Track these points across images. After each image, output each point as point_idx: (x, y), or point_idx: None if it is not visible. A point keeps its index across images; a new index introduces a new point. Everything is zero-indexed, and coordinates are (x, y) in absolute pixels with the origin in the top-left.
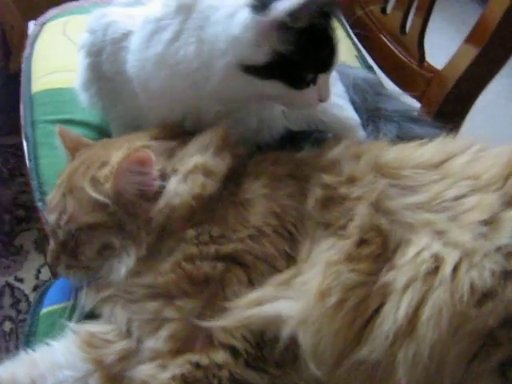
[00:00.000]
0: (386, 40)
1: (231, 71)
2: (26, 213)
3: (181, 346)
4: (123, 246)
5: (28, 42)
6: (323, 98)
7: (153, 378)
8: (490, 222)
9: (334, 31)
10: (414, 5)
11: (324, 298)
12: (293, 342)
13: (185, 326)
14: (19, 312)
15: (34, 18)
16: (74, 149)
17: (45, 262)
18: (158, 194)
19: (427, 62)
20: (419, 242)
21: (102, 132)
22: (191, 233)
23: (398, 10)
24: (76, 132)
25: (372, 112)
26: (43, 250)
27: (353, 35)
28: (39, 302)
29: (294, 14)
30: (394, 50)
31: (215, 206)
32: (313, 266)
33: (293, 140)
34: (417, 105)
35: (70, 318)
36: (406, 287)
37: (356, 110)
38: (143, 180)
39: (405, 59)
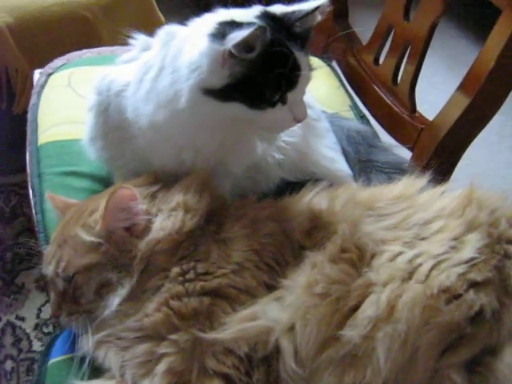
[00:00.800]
0: (378, 90)
1: (194, 95)
2: (27, 252)
3: (178, 379)
4: (118, 279)
5: (34, 91)
6: (298, 117)
7: None
8: (457, 240)
9: (296, 49)
10: (406, 53)
11: (311, 287)
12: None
13: (181, 359)
14: (20, 351)
15: (38, 64)
16: (63, 209)
17: (46, 301)
18: (146, 231)
19: (419, 113)
20: (392, 250)
21: (106, 184)
22: (176, 270)
23: (390, 60)
24: (82, 184)
25: (364, 163)
26: (44, 289)
27: (347, 85)
28: (47, 352)
29: (240, 46)
30: (387, 100)
31: (198, 242)
32: (299, 276)
33: (288, 190)
34: (409, 156)
35: (78, 370)
36: (386, 283)
37: (349, 160)
38: (130, 216)
39: (397, 109)
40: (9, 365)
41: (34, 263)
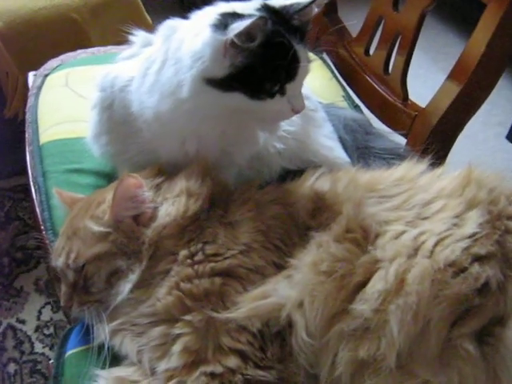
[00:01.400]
0: (370, 80)
1: (197, 85)
2: (24, 255)
3: (194, 358)
4: (128, 266)
5: (31, 92)
6: (296, 108)
7: None
8: (458, 218)
9: (295, 41)
10: (396, 44)
11: (316, 265)
12: (289, 332)
13: (196, 338)
14: (23, 353)
15: (28, 67)
16: (71, 203)
17: (46, 303)
18: (152, 219)
19: (411, 101)
20: (396, 229)
21: (111, 180)
22: (184, 253)
23: (381, 51)
24: (86, 181)
25: (362, 150)
26: (44, 291)
27: (339, 76)
28: (62, 345)
29: (242, 36)
30: (379, 89)
31: (204, 225)
32: (305, 255)
33: (289, 178)
34: (403, 142)
35: (96, 360)
36: (393, 259)
37: (347, 148)
38: (137, 204)
39: (389, 98)
40: (12, 368)
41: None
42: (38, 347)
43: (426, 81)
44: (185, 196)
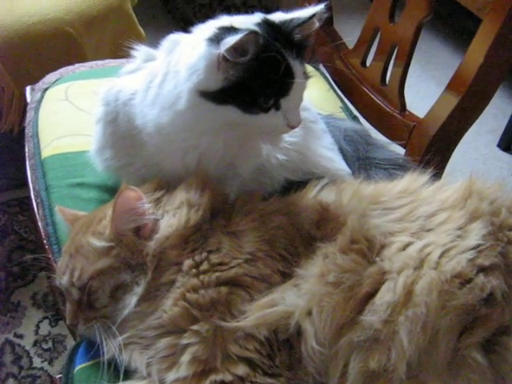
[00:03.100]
0: (367, 91)
1: (192, 97)
2: (20, 269)
3: (203, 367)
4: (133, 279)
5: (30, 106)
6: (291, 123)
7: None
8: (462, 230)
9: (291, 57)
10: (393, 55)
11: (324, 276)
12: (298, 340)
13: (204, 347)
14: (21, 368)
15: (24, 81)
16: (73, 221)
17: (43, 317)
18: (154, 231)
19: (408, 111)
20: (401, 240)
21: (113, 194)
22: (188, 263)
23: (378, 62)
24: (89, 195)
25: (363, 161)
26: (41, 305)
27: (336, 88)
28: (70, 361)
29: (233, 50)
30: (376, 100)
31: (207, 235)
32: (312, 265)
33: (293, 189)
34: (402, 152)
35: (107, 375)
36: (400, 271)
37: (348, 159)
38: (137, 217)
39: (387, 109)
40: (11, 383)
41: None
42: (37, 362)
43: (419, 90)
44: (185, 207)
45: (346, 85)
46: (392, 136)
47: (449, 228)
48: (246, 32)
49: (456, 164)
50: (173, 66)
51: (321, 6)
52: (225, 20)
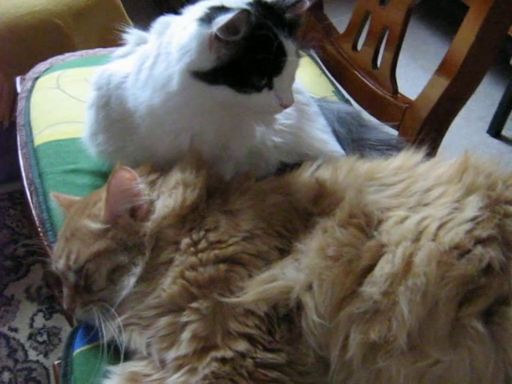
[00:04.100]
0: (359, 75)
1: (184, 78)
2: (13, 263)
3: (204, 344)
4: (131, 260)
5: (21, 96)
6: (284, 103)
7: None
8: (458, 203)
9: (283, 36)
10: (384, 40)
11: (323, 250)
12: (298, 314)
13: (204, 324)
14: (16, 361)
15: (13, 73)
16: (68, 206)
17: (38, 310)
18: (150, 213)
19: (400, 94)
20: (398, 214)
21: (107, 179)
22: (186, 241)
23: (369, 46)
24: (83, 181)
25: (357, 142)
26: (36, 298)
27: (327, 72)
28: (69, 345)
29: (225, 29)
30: (368, 83)
31: (204, 214)
32: (311, 240)
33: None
34: (395, 133)
35: (107, 357)
36: (398, 243)
37: (342, 141)
38: (132, 197)
39: (379, 92)
40: (6, 376)
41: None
42: (32, 355)
43: (407, 79)
44: (181, 187)
45: (337, 69)
46: (384, 118)
47: (446, 201)
48: (238, 10)
49: (447, 151)
50: (164, 48)
51: None
52: (215, 1)
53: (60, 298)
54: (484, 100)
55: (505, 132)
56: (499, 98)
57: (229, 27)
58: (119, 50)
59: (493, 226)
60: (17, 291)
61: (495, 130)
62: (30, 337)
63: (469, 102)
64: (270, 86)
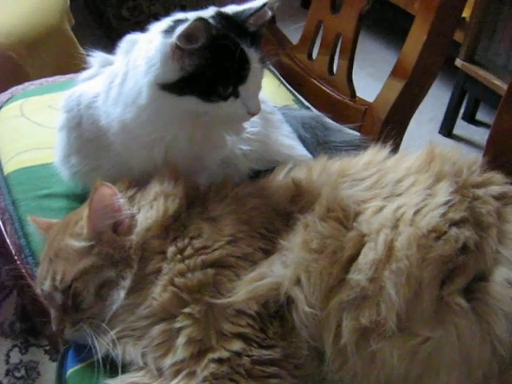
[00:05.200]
0: (316, 82)
1: (152, 91)
2: None
3: (200, 347)
4: (118, 274)
5: None
6: (251, 111)
7: None
8: (430, 189)
9: (245, 44)
10: (338, 45)
11: (307, 244)
12: (289, 309)
13: (198, 328)
14: None
15: None
16: (47, 228)
17: (13, 345)
18: (132, 226)
19: (358, 97)
20: (375, 205)
21: (82, 201)
22: (172, 249)
23: (324, 53)
24: (58, 204)
25: (323, 145)
26: (9, 334)
27: (285, 82)
28: (61, 366)
29: (183, 38)
30: (326, 89)
31: (187, 223)
32: (294, 236)
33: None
34: (358, 134)
35: (103, 372)
36: (378, 231)
37: (308, 145)
38: (114, 213)
39: (338, 97)
40: None
41: None
42: None
43: (357, 86)
44: (162, 198)
45: (295, 79)
46: (345, 121)
47: (418, 189)
48: (194, 18)
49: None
50: (132, 64)
51: None
52: (181, 15)
53: (42, 325)
54: (433, 102)
55: (455, 131)
56: (447, 99)
57: (186, 35)
58: (84, 73)
59: (464, 209)
60: None
61: (447, 130)
62: (7, 373)
63: (420, 105)
64: (236, 95)
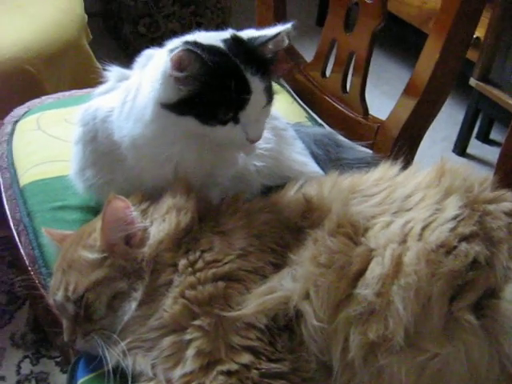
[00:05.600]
0: (330, 100)
1: (155, 109)
2: None
3: (209, 359)
4: (130, 285)
5: (1, 140)
6: (249, 137)
7: None
8: (439, 204)
9: (249, 72)
10: (352, 64)
11: (316, 258)
12: (298, 323)
13: (208, 341)
14: None
15: None
16: (61, 240)
17: (24, 356)
18: (144, 239)
19: (371, 115)
20: (383, 220)
21: (96, 214)
22: (184, 262)
23: (337, 71)
24: (73, 216)
25: (335, 162)
26: (21, 345)
27: (298, 99)
28: (72, 376)
29: (173, 65)
30: (339, 107)
31: (198, 236)
32: (304, 251)
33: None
34: (370, 152)
35: (113, 382)
36: (386, 246)
37: (320, 162)
38: (127, 225)
39: (351, 114)
40: None
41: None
42: None
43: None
44: (174, 211)
45: (308, 96)
46: (358, 138)
47: (427, 204)
48: (181, 48)
49: None
50: (145, 79)
51: (288, 26)
52: (197, 35)
53: (53, 336)
54: (447, 121)
55: (469, 150)
56: (461, 118)
57: (175, 63)
58: (101, 87)
59: (474, 223)
60: (1, 339)
61: (460, 149)
62: None
63: (433, 124)
64: (236, 121)
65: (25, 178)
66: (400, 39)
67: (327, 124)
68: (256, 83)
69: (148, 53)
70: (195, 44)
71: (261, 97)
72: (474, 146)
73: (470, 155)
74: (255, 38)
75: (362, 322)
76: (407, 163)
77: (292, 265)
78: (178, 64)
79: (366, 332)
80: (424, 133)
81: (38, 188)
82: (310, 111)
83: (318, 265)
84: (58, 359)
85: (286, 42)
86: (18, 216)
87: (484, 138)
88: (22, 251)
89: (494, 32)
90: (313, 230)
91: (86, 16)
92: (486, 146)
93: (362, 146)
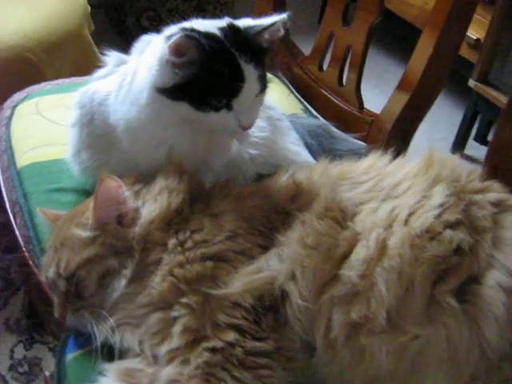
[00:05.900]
0: (326, 93)
1: (151, 93)
2: None
3: (195, 336)
4: (120, 263)
5: (0, 124)
6: (242, 124)
7: (179, 375)
8: (426, 191)
9: (243, 60)
10: (348, 57)
11: (303, 240)
12: (283, 303)
13: (194, 318)
14: None
15: None
16: (55, 220)
17: (18, 341)
18: (136, 219)
19: (366, 108)
20: (370, 206)
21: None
22: (172, 241)
23: (334, 65)
24: (68, 198)
25: (328, 153)
26: (15, 330)
27: (295, 91)
28: (61, 352)
29: (171, 51)
30: (335, 100)
31: (189, 217)
32: (292, 232)
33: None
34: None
35: (101, 358)
36: (371, 229)
37: (314, 152)
38: (119, 205)
39: (346, 108)
40: None
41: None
42: None
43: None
44: (166, 192)
45: (304, 89)
46: (352, 131)
47: (414, 192)
48: (180, 34)
49: None
50: (142, 64)
51: (284, 16)
52: (194, 22)
53: (48, 320)
54: (445, 122)
55: (467, 151)
56: (460, 119)
57: (174, 49)
58: (99, 72)
59: (459, 211)
60: None
61: (458, 150)
62: (10, 368)
63: (431, 124)
64: (229, 108)
65: (22, 161)
66: (402, 39)
67: (323, 117)
68: (250, 71)
69: (146, 38)
70: (193, 30)
71: (254, 85)
72: (472, 148)
73: (467, 156)
74: (251, 27)
75: (346, 302)
76: (399, 154)
77: (279, 246)
78: (176, 50)
79: (349, 312)
80: (416, 126)
81: (35, 170)
82: (305, 103)
83: (304, 246)
84: (52, 345)
85: (282, 31)
86: (15, 197)
87: (482, 139)
88: (17, 233)
89: (494, 33)
90: (301, 213)
91: (89, 7)
92: (484, 148)
93: (356, 138)
